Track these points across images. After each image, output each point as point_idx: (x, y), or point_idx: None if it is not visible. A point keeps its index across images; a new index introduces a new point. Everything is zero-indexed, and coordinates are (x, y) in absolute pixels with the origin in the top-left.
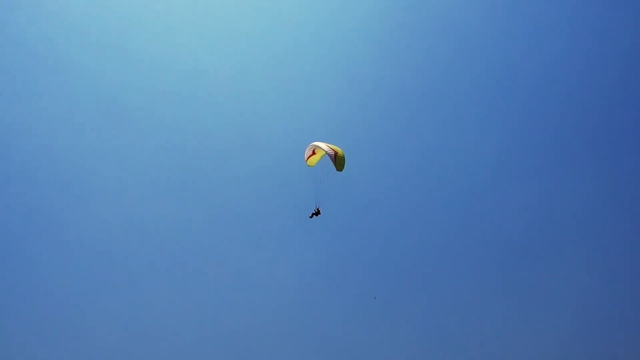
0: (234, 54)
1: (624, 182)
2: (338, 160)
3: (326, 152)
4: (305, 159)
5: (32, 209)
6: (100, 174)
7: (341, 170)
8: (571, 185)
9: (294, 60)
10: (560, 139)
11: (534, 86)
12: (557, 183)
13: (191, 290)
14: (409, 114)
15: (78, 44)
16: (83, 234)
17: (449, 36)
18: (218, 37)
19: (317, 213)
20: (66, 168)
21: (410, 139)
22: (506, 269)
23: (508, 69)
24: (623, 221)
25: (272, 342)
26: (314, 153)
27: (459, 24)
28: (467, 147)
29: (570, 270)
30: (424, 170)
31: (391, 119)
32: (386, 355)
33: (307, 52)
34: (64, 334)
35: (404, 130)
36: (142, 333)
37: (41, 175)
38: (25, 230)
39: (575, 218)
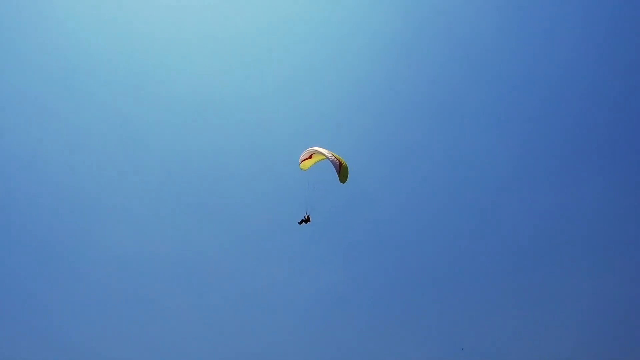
0: (243, 75)
1: (638, 188)
2: (343, 171)
3: (330, 159)
4: (300, 162)
5: (45, 234)
6: (108, 197)
7: (344, 182)
8: (585, 191)
9: (304, 75)
10: (574, 144)
11: (546, 92)
12: (570, 189)
13: (204, 307)
14: (419, 120)
15: (90, 70)
16: (90, 259)
17: (460, 40)
18: (227, 57)
19: (307, 220)
20: (73, 190)
21: (422, 145)
22: (520, 277)
23: (520, 74)
24: (637, 226)
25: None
26: (310, 157)
27: (469, 28)
28: (479, 153)
29: (584, 275)
30: (434, 176)
31: (402, 126)
32: None
33: (316, 61)
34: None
35: (415, 137)
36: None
37: (51, 201)
38: (41, 258)
39: (589, 224)
